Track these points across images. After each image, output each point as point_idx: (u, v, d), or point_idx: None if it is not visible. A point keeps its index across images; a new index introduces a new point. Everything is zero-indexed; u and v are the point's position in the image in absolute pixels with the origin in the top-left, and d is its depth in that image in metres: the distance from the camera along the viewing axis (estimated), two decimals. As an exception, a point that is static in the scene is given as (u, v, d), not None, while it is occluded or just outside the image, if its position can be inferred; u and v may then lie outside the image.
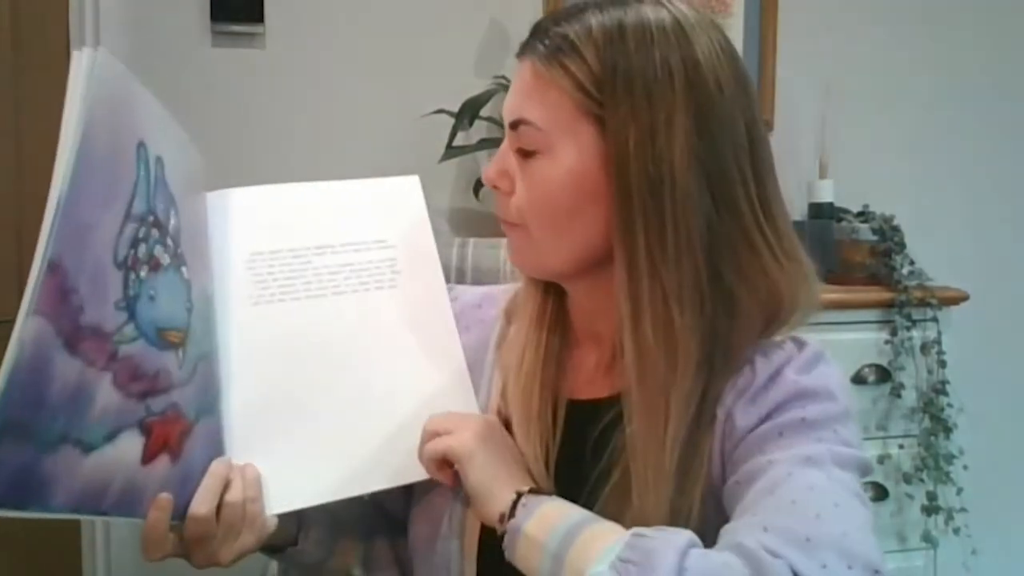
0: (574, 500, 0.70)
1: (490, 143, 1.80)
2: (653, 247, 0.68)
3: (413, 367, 0.81)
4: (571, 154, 0.71)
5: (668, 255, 0.68)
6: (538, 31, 0.74)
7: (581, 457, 0.74)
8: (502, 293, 0.89)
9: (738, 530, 0.61)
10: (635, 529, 0.62)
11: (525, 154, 0.73)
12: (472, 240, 1.44)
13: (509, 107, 0.75)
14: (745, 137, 0.71)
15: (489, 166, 0.76)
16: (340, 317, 0.80)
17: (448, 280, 0.88)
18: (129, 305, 0.65)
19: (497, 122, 1.82)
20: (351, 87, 1.88)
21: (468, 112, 1.75)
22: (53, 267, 0.58)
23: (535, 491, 0.70)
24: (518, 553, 0.67)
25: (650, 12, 0.71)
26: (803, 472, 0.63)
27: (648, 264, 0.68)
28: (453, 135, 1.76)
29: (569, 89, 0.70)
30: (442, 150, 1.77)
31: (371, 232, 0.85)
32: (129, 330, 0.65)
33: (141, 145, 0.68)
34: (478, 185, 1.82)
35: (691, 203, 0.68)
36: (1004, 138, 2.23)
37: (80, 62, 0.62)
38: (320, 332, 0.80)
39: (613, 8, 0.71)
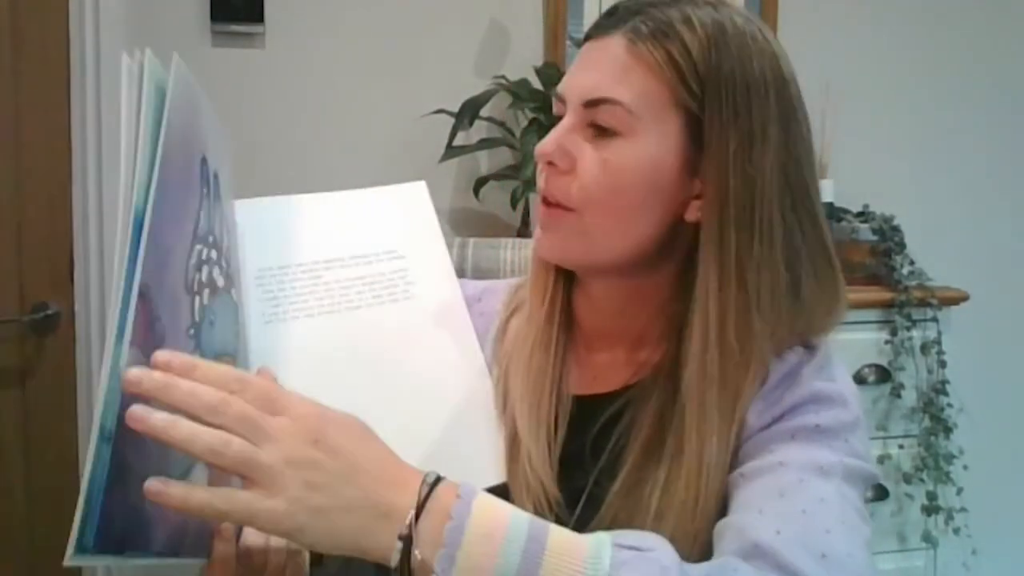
0: (577, 499, 0.70)
1: (490, 143, 1.80)
2: (743, 254, 0.68)
3: (436, 381, 0.79)
4: (653, 143, 0.69)
5: (754, 263, 0.68)
6: (628, 12, 0.71)
7: (584, 453, 0.74)
8: (504, 286, 0.88)
9: (747, 527, 0.61)
10: (601, 560, 0.52)
11: (601, 133, 0.70)
12: (472, 240, 1.43)
13: (587, 83, 0.71)
14: (814, 153, 0.73)
15: (546, 139, 0.72)
16: (357, 333, 0.77)
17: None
18: (196, 332, 0.61)
19: (497, 122, 1.82)
20: (351, 87, 1.88)
21: (468, 112, 1.75)
22: (142, 294, 0.51)
23: (419, 515, 0.52)
24: None
25: (738, 18, 0.70)
26: (814, 482, 0.64)
27: (737, 269, 0.68)
28: (453, 135, 1.76)
29: (670, 78, 0.68)
30: (442, 150, 1.77)
31: (380, 243, 0.82)
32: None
33: (204, 161, 0.65)
34: (478, 185, 1.82)
35: (776, 215, 0.69)
36: (1004, 138, 2.23)
37: (138, 68, 0.55)
38: (337, 349, 0.75)
39: (707, 7, 0.70)
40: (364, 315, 0.77)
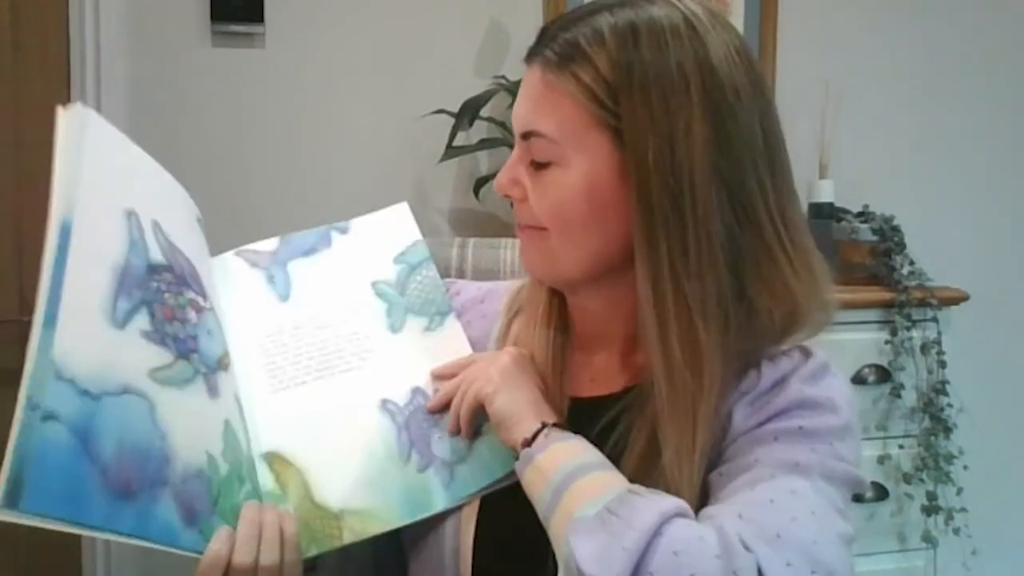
0: None
1: (490, 143, 1.80)
2: (676, 261, 0.67)
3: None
4: (585, 165, 0.69)
5: (691, 269, 0.66)
6: (545, 36, 0.72)
7: None
8: (506, 288, 0.88)
9: (715, 515, 0.62)
10: (632, 485, 0.64)
11: (538, 165, 0.71)
12: (472, 240, 1.43)
13: (519, 116, 0.73)
14: (763, 144, 0.69)
15: (500, 173, 0.74)
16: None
17: (450, 279, 0.87)
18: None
19: (497, 122, 1.82)
20: (351, 87, 1.88)
21: (468, 112, 1.75)
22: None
23: (559, 426, 0.71)
24: (525, 479, 0.68)
25: (661, 12, 0.68)
26: (787, 477, 0.64)
27: (672, 278, 0.67)
28: (453, 135, 1.76)
29: (582, 99, 0.68)
30: (442, 150, 1.77)
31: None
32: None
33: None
34: (478, 185, 1.82)
35: (712, 216, 0.66)
36: (1004, 138, 2.23)
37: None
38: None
39: (623, 9, 0.69)
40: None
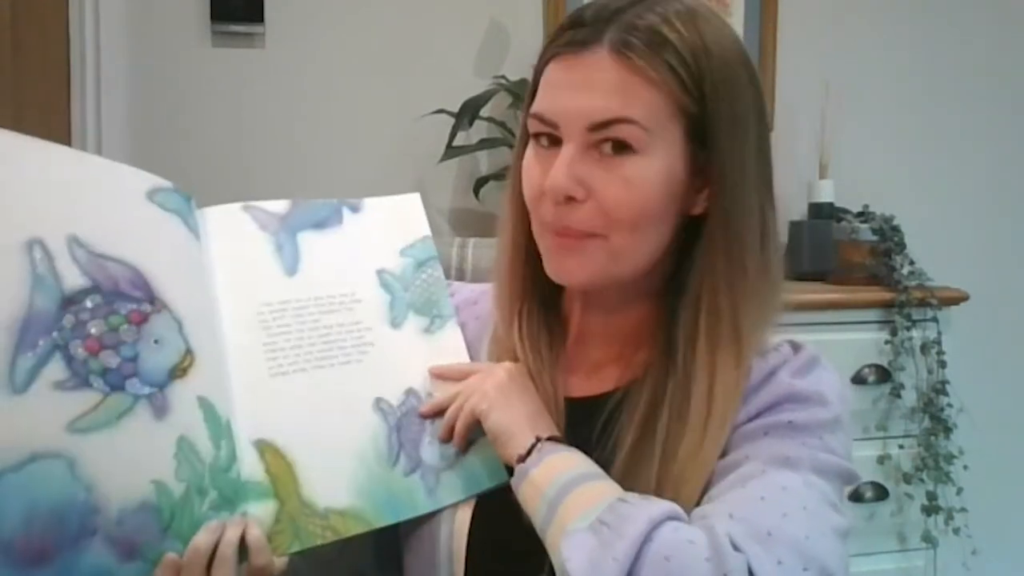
0: None
1: (490, 143, 1.80)
2: (740, 239, 0.70)
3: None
4: (665, 154, 0.69)
5: (751, 247, 0.71)
6: (602, 19, 0.68)
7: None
8: None
9: (707, 515, 0.62)
10: (624, 493, 0.65)
11: (615, 151, 0.68)
12: (472, 240, 1.43)
13: (592, 104, 0.67)
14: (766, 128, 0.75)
15: (556, 174, 0.68)
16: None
17: (447, 280, 0.87)
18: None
19: (497, 122, 1.82)
20: (351, 87, 1.88)
21: (468, 112, 1.75)
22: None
23: (554, 439, 0.71)
24: (521, 494, 0.69)
25: (703, 6, 0.71)
26: (778, 472, 0.64)
27: (738, 254, 0.70)
28: (453, 135, 1.76)
29: (673, 88, 0.67)
30: (442, 150, 1.77)
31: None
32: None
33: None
34: (478, 185, 1.82)
35: (755, 201, 0.71)
36: (1004, 138, 2.23)
37: None
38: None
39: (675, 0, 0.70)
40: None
